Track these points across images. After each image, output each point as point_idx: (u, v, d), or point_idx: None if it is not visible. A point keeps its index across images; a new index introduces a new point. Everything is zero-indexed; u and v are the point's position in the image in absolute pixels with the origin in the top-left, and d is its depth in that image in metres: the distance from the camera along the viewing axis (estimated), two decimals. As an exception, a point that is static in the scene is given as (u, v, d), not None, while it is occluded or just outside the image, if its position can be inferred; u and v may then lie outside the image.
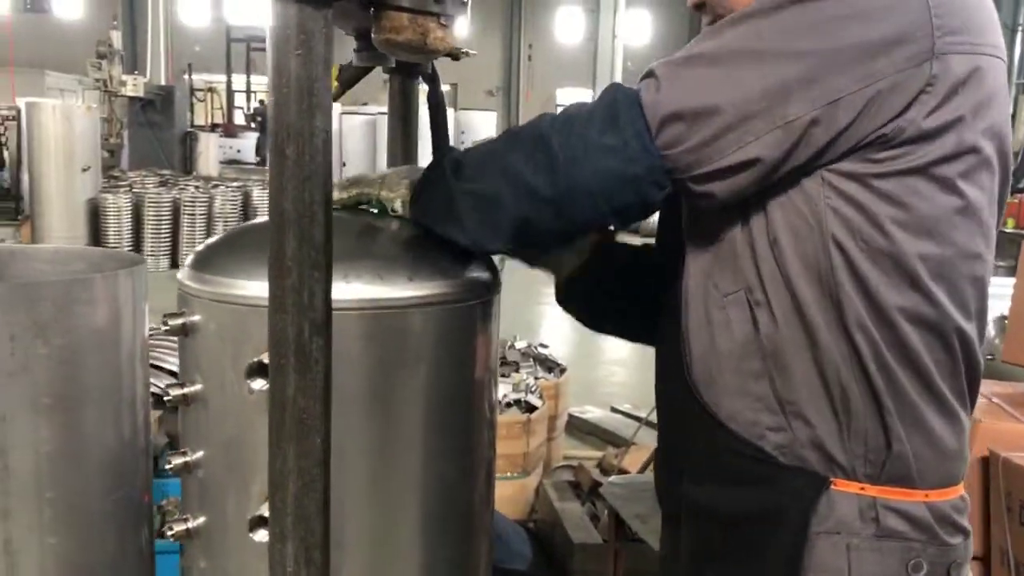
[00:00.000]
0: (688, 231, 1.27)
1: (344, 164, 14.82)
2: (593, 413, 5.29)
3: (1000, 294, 3.39)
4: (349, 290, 1.19)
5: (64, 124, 10.23)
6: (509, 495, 3.66)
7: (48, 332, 1.56)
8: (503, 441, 3.71)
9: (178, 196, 10.64)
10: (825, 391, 1.13)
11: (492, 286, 1.39)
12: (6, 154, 14.72)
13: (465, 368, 1.35)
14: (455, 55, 1.19)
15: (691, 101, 1.08)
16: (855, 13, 1.06)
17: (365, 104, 15.30)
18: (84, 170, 10.40)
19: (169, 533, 1.35)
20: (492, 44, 29.31)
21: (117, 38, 12.52)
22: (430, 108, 1.91)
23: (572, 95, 24.50)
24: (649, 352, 1.43)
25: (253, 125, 18.01)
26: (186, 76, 18.24)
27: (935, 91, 1.05)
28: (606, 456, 4.26)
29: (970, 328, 1.14)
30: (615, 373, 6.94)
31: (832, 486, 1.12)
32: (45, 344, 1.57)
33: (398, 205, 1.29)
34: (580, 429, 5.21)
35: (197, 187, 11.09)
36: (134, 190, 10.68)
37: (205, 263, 1.26)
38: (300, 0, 0.87)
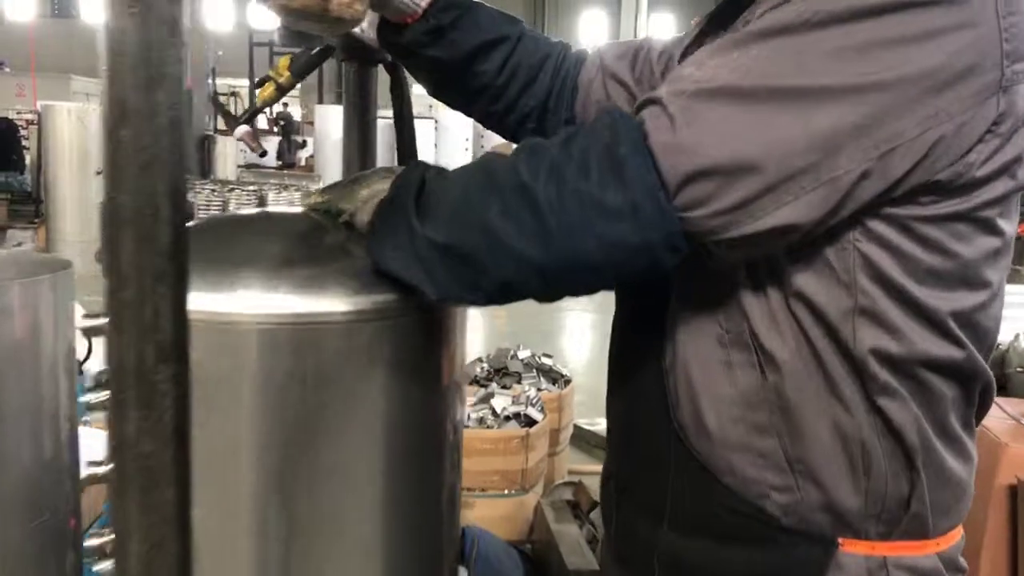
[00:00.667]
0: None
1: (362, 167, 14.65)
2: (603, 425, 5.08)
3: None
4: (275, 302, 1.03)
5: (79, 127, 10.19)
6: (505, 514, 3.47)
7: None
8: (500, 457, 3.52)
9: (193, 199, 10.56)
10: (844, 451, 0.99)
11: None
12: (28, 158, 14.81)
13: (417, 386, 1.18)
14: (354, 23, 1.01)
15: (721, 154, 0.87)
16: (916, 33, 0.85)
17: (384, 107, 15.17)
18: (98, 173, 10.33)
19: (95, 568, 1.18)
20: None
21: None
22: (393, 103, 1.74)
23: (595, 99, 24.20)
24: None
25: (275, 129, 17.98)
26: (209, 80, 18.26)
27: (999, 131, 0.89)
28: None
29: (985, 359, 1.02)
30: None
31: (840, 547, 1.01)
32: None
33: (362, 220, 1.12)
34: (588, 442, 5.01)
35: (213, 190, 11.02)
36: (149, 193, 10.63)
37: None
38: (133, -58, 0.69)
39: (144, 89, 0.71)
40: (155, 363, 0.74)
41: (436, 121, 14.21)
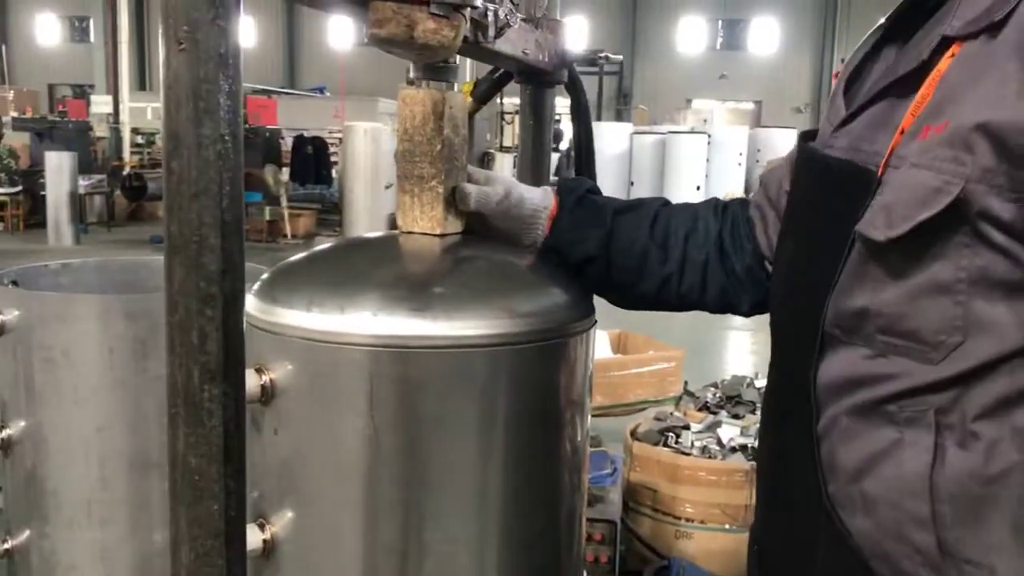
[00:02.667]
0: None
1: (632, 183, 14.77)
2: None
3: None
4: (385, 325, 1.06)
5: (372, 145, 11.18)
6: (723, 549, 3.29)
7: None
8: (722, 489, 3.35)
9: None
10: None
11: (571, 320, 1.18)
12: (335, 172, 16.50)
13: (528, 412, 1.16)
14: (445, 50, 0.99)
15: None
16: None
17: (655, 123, 15.15)
18: (387, 187, 11.28)
19: None
20: (800, 60, 27.93)
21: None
22: (572, 121, 1.72)
23: (891, 110, 22.44)
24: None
25: (554, 146, 18.59)
26: (497, 99, 19.26)
27: None
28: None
29: None
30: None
31: None
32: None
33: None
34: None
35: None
36: (430, 206, 11.42)
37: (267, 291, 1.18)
38: (183, -15, 0.73)
39: (193, 123, 0.75)
40: (201, 383, 0.78)
41: (709, 136, 13.91)
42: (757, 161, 14.69)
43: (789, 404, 1.03)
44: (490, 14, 1.25)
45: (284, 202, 13.93)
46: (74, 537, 1.59)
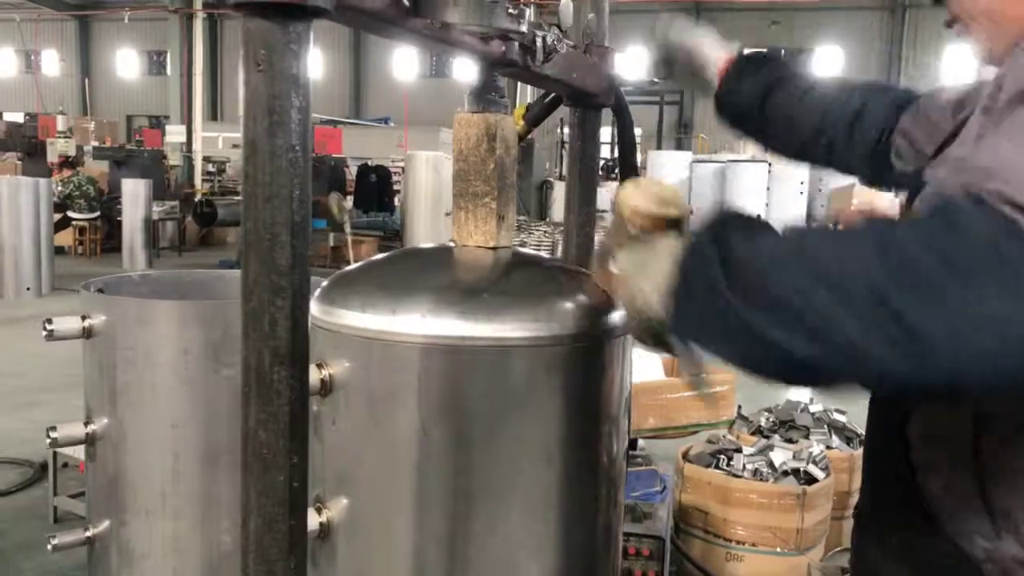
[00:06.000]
0: None
1: (691, 212, 14.62)
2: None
3: None
4: (434, 325, 1.15)
5: (433, 174, 11.39)
6: (773, 572, 3.29)
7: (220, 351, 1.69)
8: (773, 513, 3.35)
9: (526, 239, 11.29)
10: None
11: (603, 327, 1.26)
12: (397, 200, 16.82)
13: (566, 416, 1.24)
14: None
15: None
16: None
17: (715, 152, 15.10)
18: (447, 214, 11.48)
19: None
20: (866, 87, 27.50)
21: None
22: (619, 145, 1.80)
23: (960, 139, 21.98)
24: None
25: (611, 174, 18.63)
26: (558, 129, 19.44)
27: None
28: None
29: None
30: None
31: None
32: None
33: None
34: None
35: (545, 232, 11.70)
36: (489, 233, 11.56)
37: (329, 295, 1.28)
38: (262, 16, 0.84)
39: (267, 135, 0.85)
40: (271, 365, 0.87)
41: (770, 165, 13.82)
42: (820, 190, 14.53)
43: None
44: (538, 40, 1.34)
45: (348, 229, 14.22)
46: (150, 527, 1.71)
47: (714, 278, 0.88)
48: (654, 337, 1.02)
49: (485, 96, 1.33)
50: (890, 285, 0.78)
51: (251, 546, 0.90)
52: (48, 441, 1.70)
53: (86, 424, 1.75)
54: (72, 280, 11.82)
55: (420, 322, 1.17)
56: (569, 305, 1.26)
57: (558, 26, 1.44)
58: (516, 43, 1.26)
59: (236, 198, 15.74)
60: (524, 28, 1.19)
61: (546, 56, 1.37)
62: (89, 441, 1.74)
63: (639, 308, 1.01)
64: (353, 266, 1.40)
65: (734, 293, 0.86)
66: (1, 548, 3.97)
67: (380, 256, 1.48)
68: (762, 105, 1.63)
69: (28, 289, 10.46)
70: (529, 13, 1.22)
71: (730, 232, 0.93)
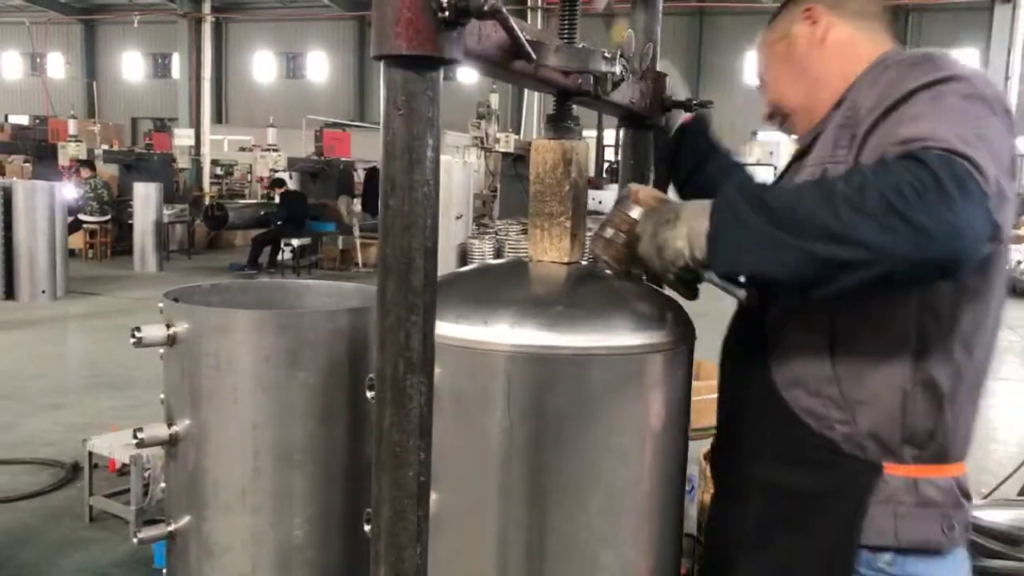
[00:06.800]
0: None
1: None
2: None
3: None
4: (519, 335, 1.27)
5: (443, 176, 11.46)
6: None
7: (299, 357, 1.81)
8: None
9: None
10: (893, 396, 1.35)
11: (670, 339, 1.37)
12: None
13: (637, 426, 1.35)
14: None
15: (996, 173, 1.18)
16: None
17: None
18: (457, 218, 11.58)
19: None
20: (869, 91, 27.61)
21: (495, 100, 13.82)
22: (658, 163, 1.92)
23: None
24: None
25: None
26: (595, 132, 19.58)
27: None
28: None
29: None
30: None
31: (884, 470, 1.36)
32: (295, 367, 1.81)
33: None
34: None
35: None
36: (498, 236, 11.65)
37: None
38: (403, 66, 0.95)
39: (407, 171, 0.96)
40: (405, 373, 0.99)
41: (775, 168, 13.96)
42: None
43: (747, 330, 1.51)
44: (608, 71, 1.46)
45: (356, 232, 14.35)
46: (230, 522, 1.82)
47: (746, 215, 1.19)
48: (681, 280, 1.31)
49: (561, 124, 1.45)
50: (893, 198, 1.11)
51: (383, 533, 1.02)
52: (135, 442, 1.81)
53: (169, 425, 1.86)
54: (84, 283, 11.95)
55: (508, 332, 1.28)
56: (639, 317, 1.37)
57: (623, 55, 1.55)
58: (591, 75, 1.38)
59: (244, 201, 15.87)
60: (618, 68, 1.31)
61: (614, 85, 1.48)
62: (171, 442, 1.85)
63: (671, 258, 1.28)
64: (441, 278, 1.52)
65: (767, 222, 1.17)
66: (40, 547, 4.07)
67: (460, 270, 1.60)
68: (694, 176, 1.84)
69: (43, 292, 10.56)
70: (616, 53, 1.33)
71: (749, 188, 1.26)
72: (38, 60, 31.68)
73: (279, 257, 13.84)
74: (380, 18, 0.94)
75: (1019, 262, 15.35)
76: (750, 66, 27.83)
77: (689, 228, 1.26)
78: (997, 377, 8.61)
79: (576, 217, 1.46)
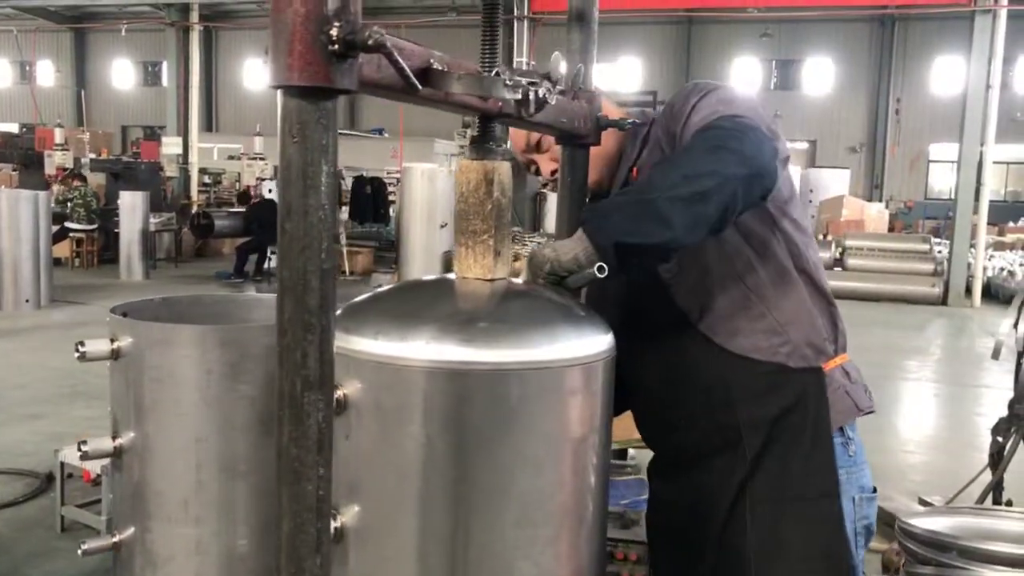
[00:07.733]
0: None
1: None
2: (893, 503, 4.76)
3: None
4: (437, 350, 1.30)
5: (428, 185, 11.53)
6: None
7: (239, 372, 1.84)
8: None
9: (520, 251, 11.46)
10: (804, 310, 1.79)
11: (588, 352, 1.41)
12: (392, 211, 16.98)
13: (549, 436, 1.38)
14: None
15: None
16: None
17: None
18: (442, 226, 11.64)
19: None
20: (856, 99, 27.83)
21: (481, 109, 13.91)
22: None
23: (948, 151, 22.33)
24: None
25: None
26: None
27: None
28: (887, 552, 3.84)
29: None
30: (925, 460, 6.20)
31: (824, 368, 1.77)
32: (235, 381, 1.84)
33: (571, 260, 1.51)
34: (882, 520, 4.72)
35: (538, 243, 11.88)
36: (483, 245, 11.72)
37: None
38: (298, 96, 0.99)
39: (302, 196, 1.00)
40: (302, 391, 1.02)
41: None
42: (810, 201, 14.71)
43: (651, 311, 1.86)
44: (531, 94, 1.50)
45: (343, 240, 14.38)
46: (173, 532, 1.85)
47: (611, 204, 1.56)
48: (550, 284, 1.53)
49: (484, 145, 1.49)
50: (715, 142, 1.55)
51: (284, 546, 1.05)
52: (79, 454, 1.84)
53: (114, 438, 1.89)
54: (70, 292, 11.96)
55: (425, 348, 1.32)
56: (558, 332, 1.41)
57: (549, 77, 1.60)
58: (511, 99, 1.42)
59: (231, 209, 15.88)
60: (519, 95, 1.35)
61: (537, 107, 1.52)
62: (116, 454, 1.88)
63: (566, 265, 1.50)
64: (365, 296, 1.55)
65: (634, 197, 1.52)
66: (11, 557, 4.09)
67: (388, 287, 1.64)
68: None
69: (27, 301, 10.57)
70: (522, 77, 1.37)
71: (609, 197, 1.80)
72: (27, 68, 31.66)
73: (265, 265, 13.85)
74: (275, 49, 0.98)
75: (1002, 269, 15.46)
76: (737, 72, 27.89)
77: (558, 245, 1.53)
78: (979, 384, 8.70)
79: (499, 235, 1.50)
